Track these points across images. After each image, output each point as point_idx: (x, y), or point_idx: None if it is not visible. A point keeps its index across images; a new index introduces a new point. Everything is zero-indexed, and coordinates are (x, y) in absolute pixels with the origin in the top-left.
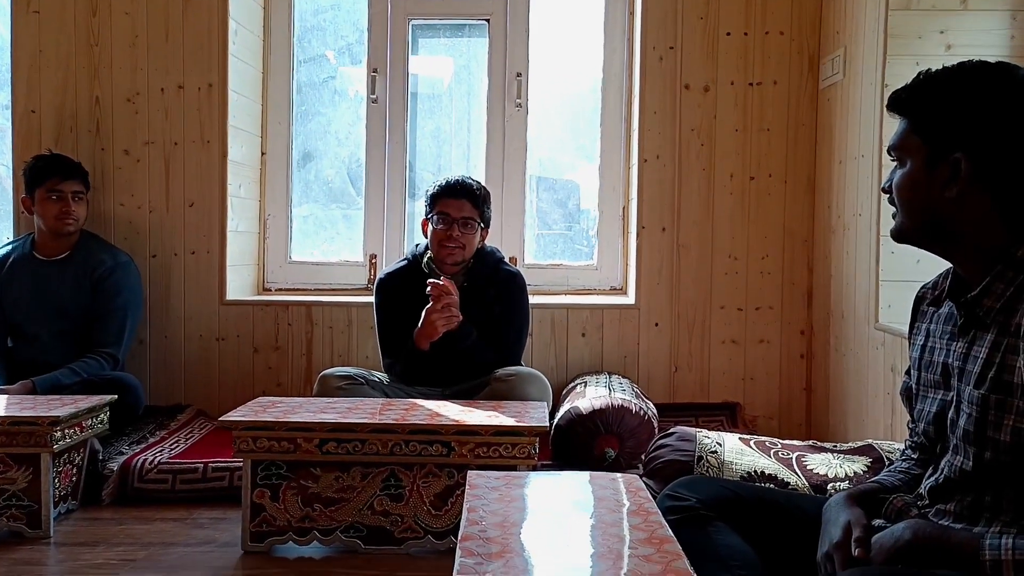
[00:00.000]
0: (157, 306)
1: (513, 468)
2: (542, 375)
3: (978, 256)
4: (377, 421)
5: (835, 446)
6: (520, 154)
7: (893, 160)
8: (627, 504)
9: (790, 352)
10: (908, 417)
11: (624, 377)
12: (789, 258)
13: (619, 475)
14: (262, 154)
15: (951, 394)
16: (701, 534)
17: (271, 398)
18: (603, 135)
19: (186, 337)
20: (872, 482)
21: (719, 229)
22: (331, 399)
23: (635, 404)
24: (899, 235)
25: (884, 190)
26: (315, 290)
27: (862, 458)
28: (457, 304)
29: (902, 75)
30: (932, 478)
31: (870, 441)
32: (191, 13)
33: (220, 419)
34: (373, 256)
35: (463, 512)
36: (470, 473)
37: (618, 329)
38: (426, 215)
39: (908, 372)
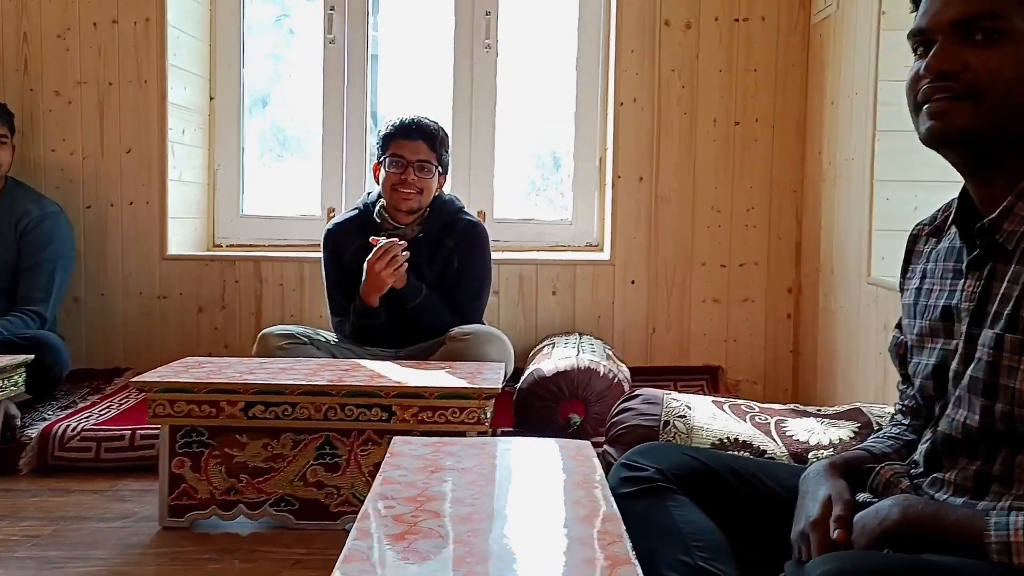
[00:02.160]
0: (93, 261)
1: (462, 435)
2: (503, 334)
3: (1012, 169)
4: (309, 383)
5: (819, 410)
6: (490, 100)
7: (928, 39)
8: (569, 475)
9: (776, 312)
10: (899, 378)
11: (597, 338)
12: (776, 210)
13: (569, 442)
14: (211, 99)
15: (954, 342)
16: (659, 508)
17: (198, 358)
18: (579, 79)
19: (124, 295)
20: (858, 449)
21: (701, 179)
22: (264, 359)
23: (604, 366)
24: (966, 133)
25: (941, 73)
26: (269, 246)
27: (848, 423)
28: (402, 256)
29: (904, 6)
30: (928, 441)
31: (858, 404)
32: None
33: (132, 380)
34: (331, 210)
35: (374, 484)
36: (395, 440)
37: (591, 287)
38: (378, 159)
39: (898, 325)
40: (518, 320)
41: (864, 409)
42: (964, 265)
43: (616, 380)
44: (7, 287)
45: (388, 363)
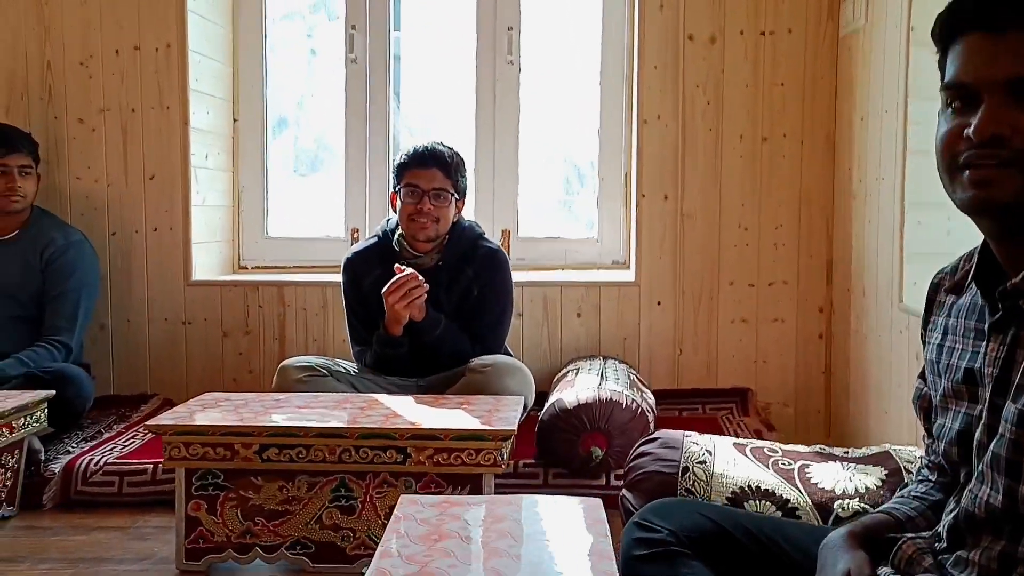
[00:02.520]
0: (119, 288)
1: (478, 477)
2: (523, 365)
3: None
4: (323, 425)
5: (846, 452)
6: (513, 116)
7: (970, 94)
8: (577, 541)
9: (807, 332)
10: (924, 429)
11: (622, 362)
12: (806, 228)
13: (579, 501)
14: (234, 121)
15: (978, 407)
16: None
17: (216, 394)
18: (602, 94)
19: (150, 321)
20: (881, 512)
21: (728, 196)
22: (282, 395)
23: (627, 396)
24: (1012, 203)
25: (992, 139)
26: (295, 267)
27: (877, 469)
28: (420, 289)
29: (931, 15)
30: (952, 513)
31: (887, 447)
32: None
33: (147, 423)
34: (355, 230)
35: (376, 553)
36: (402, 498)
37: (617, 308)
38: (393, 188)
39: (922, 375)
40: (542, 342)
41: (893, 453)
42: (987, 326)
43: (639, 411)
44: (33, 316)
45: (405, 400)
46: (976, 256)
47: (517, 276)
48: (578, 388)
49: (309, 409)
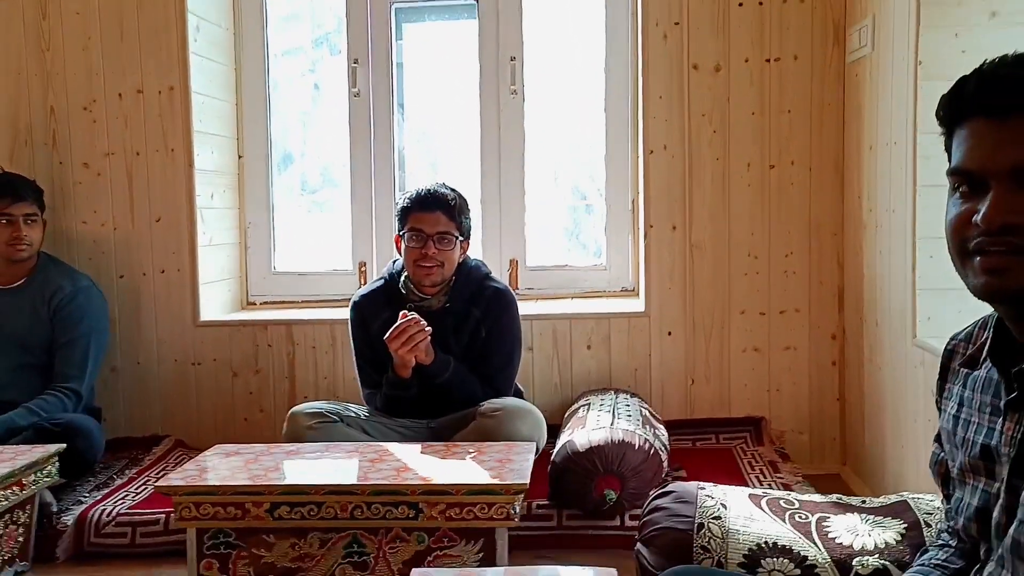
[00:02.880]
0: (128, 331)
1: (491, 531)
2: (533, 408)
3: None
4: (334, 482)
5: (864, 502)
6: (517, 145)
7: (978, 180)
8: None
9: (820, 359)
10: (942, 494)
11: (633, 396)
12: (816, 254)
13: (594, 572)
14: (239, 157)
15: (996, 485)
16: None
17: (226, 447)
18: (608, 123)
19: (160, 363)
20: None
21: (736, 225)
22: (294, 446)
23: (639, 436)
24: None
25: (1002, 228)
26: (303, 302)
27: (895, 522)
28: (422, 334)
29: (939, 50)
30: None
31: (905, 496)
32: (146, 10)
33: (157, 485)
34: (363, 264)
35: None
36: (414, 571)
37: (627, 339)
38: (398, 231)
39: (938, 438)
40: (553, 376)
41: (911, 503)
42: (1003, 404)
43: (652, 452)
44: (43, 364)
45: (415, 451)
46: (991, 329)
47: (526, 308)
48: (589, 428)
49: (320, 461)
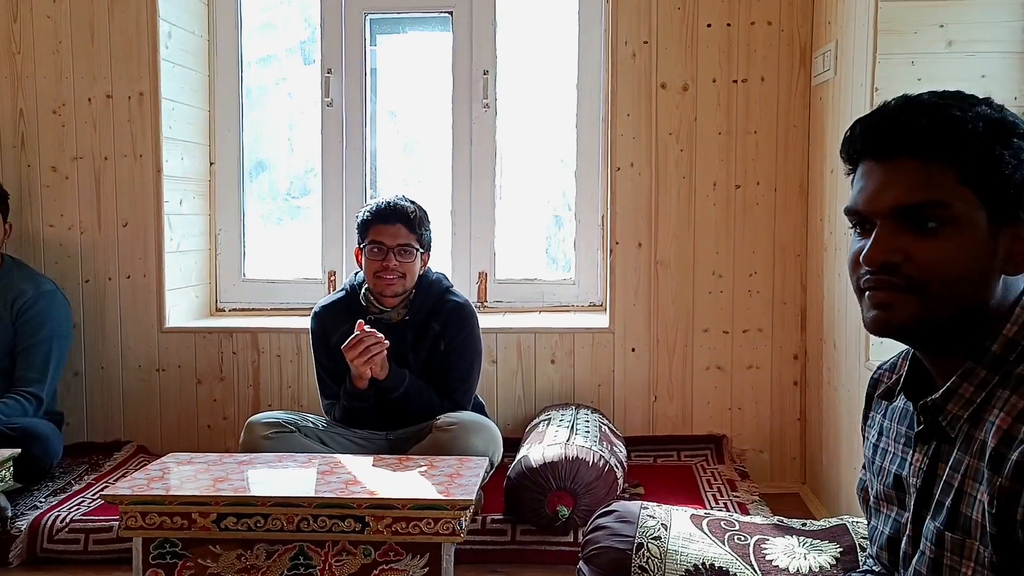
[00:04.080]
0: (92, 335)
1: (436, 546)
2: (489, 423)
3: (960, 349)
4: (280, 495)
5: (804, 524)
6: (489, 158)
7: (866, 220)
8: None
9: (782, 379)
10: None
11: (595, 411)
12: (780, 275)
13: None
14: (211, 164)
15: (905, 515)
16: None
17: (179, 455)
18: (579, 138)
19: (124, 368)
20: None
21: (701, 244)
22: (248, 456)
23: (594, 452)
24: (911, 325)
25: (882, 266)
26: (272, 310)
27: (832, 546)
28: (379, 346)
29: (895, 77)
30: None
31: (844, 520)
32: (117, 16)
33: (103, 494)
34: (332, 273)
35: None
36: None
37: (591, 355)
38: (358, 244)
39: (865, 466)
40: (516, 389)
41: (850, 527)
42: (914, 435)
43: (606, 468)
44: (5, 368)
45: (367, 463)
46: (908, 360)
47: (492, 321)
48: (546, 444)
49: (271, 472)
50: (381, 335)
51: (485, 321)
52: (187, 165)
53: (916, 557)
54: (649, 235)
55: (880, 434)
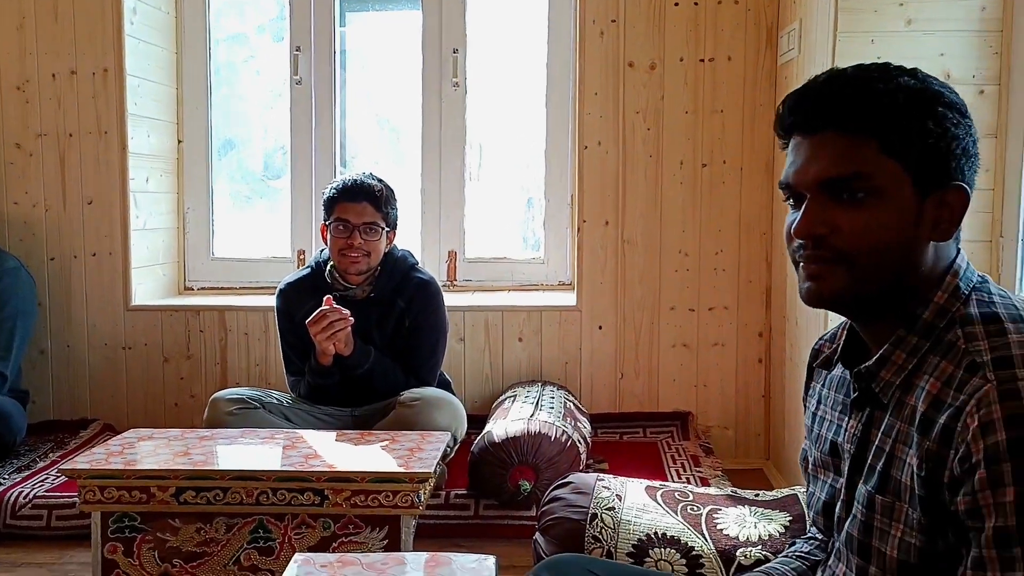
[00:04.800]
0: (58, 313)
1: (396, 519)
2: (453, 398)
3: (892, 316)
4: (239, 468)
5: (757, 495)
6: (459, 137)
7: (797, 193)
8: None
9: (747, 356)
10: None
11: (561, 388)
12: (746, 253)
13: (474, 560)
14: (179, 142)
15: (841, 480)
16: None
17: (141, 431)
18: (548, 117)
19: (90, 346)
20: (760, 572)
21: (668, 222)
22: (210, 431)
23: (557, 428)
24: (842, 296)
25: (810, 238)
26: (241, 289)
27: (781, 515)
28: (343, 322)
29: (855, 55)
30: None
31: (796, 491)
32: None
33: (60, 468)
34: (302, 251)
35: None
36: (296, 556)
37: (558, 333)
38: (324, 221)
39: (806, 435)
40: (484, 367)
41: (800, 497)
42: (849, 402)
43: (569, 443)
44: None
45: (329, 438)
46: (846, 330)
47: (460, 300)
48: (509, 419)
49: (232, 447)
50: (346, 311)
51: (453, 300)
52: (153, 143)
53: (848, 520)
54: (616, 214)
55: (819, 403)
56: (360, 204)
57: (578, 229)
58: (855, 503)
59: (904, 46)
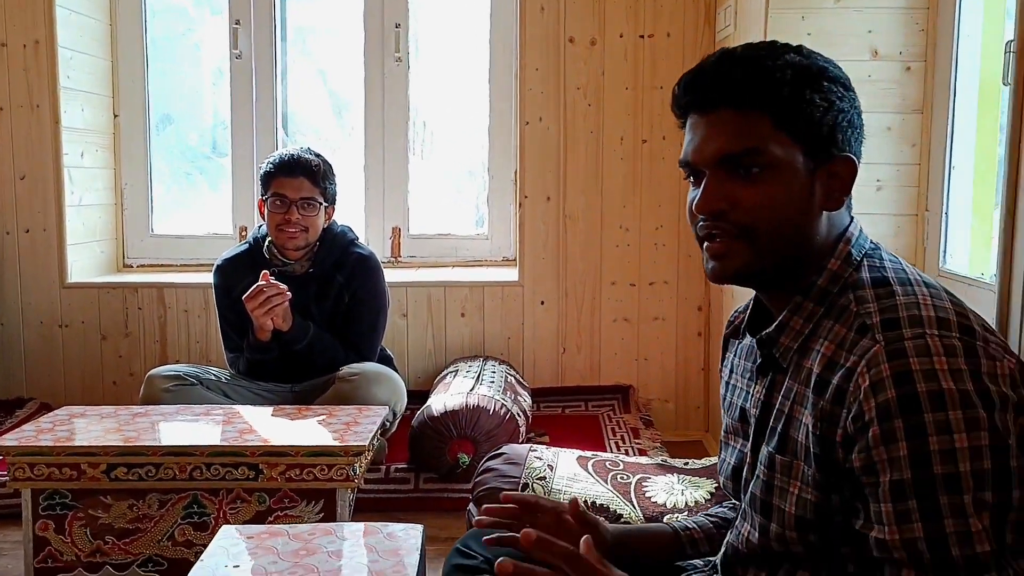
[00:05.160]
0: None
1: (331, 492)
2: (392, 373)
3: (791, 285)
4: (171, 444)
5: (686, 463)
6: (402, 112)
7: (697, 171)
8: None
9: (687, 330)
10: None
11: (503, 363)
12: (685, 228)
13: (402, 529)
14: (115, 116)
15: (747, 445)
16: None
17: (73, 408)
18: (491, 93)
19: (24, 324)
20: (666, 524)
21: (609, 198)
22: (144, 408)
23: (496, 402)
24: (745, 271)
25: (711, 214)
26: (182, 266)
27: (708, 482)
28: (280, 297)
29: (786, 32)
30: (721, 551)
31: None
32: None
33: None
34: (244, 228)
35: None
36: (224, 528)
37: (500, 308)
38: (261, 195)
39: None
40: (427, 343)
41: None
42: (754, 368)
43: (508, 416)
44: None
45: (265, 413)
46: (752, 302)
47: (402, 276)
48: (449, 394)
49: (167, 423)
50: (283, 286)
51: (397, 276)
52: (88, 117)
53: (752, 481)
54: (558, 189)
55: (731, 372)
56: (297, 179)
57: (520, 205)
58: (759, 464)
59: (833, 23)
